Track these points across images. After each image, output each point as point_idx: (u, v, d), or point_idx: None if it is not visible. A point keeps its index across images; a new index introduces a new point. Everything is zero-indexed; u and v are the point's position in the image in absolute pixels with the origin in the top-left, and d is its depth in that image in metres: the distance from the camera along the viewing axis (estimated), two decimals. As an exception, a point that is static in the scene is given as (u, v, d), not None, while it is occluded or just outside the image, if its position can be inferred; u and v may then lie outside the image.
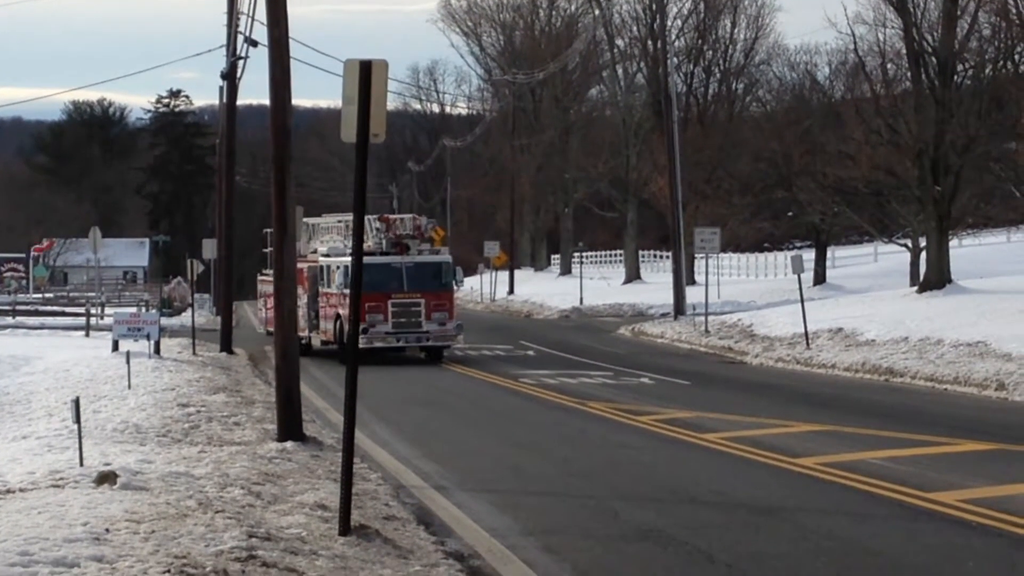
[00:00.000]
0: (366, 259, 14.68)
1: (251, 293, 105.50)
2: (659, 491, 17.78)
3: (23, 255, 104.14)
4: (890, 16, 49.16)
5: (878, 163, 49.71)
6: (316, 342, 42.72)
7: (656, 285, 76.01)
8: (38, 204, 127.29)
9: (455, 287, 42.09)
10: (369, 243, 39.13)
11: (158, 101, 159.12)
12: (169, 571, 11.24)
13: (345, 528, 13.74)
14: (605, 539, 14.76)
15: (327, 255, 42.40)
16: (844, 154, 53.25)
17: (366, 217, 14.41)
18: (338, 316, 40.36)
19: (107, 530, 12.62)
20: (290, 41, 22.23)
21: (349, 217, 34.64)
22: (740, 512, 16.18)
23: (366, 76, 13.79)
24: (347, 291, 39.27)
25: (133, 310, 51.34)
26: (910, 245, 57.26)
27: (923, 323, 38.36)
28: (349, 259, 39.00)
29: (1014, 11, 47.43)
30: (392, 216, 43.49)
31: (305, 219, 47.80)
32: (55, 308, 74.20)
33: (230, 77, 45.67)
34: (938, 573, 13.15)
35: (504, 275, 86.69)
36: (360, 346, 34.04)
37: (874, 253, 76.04)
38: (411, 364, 40.00)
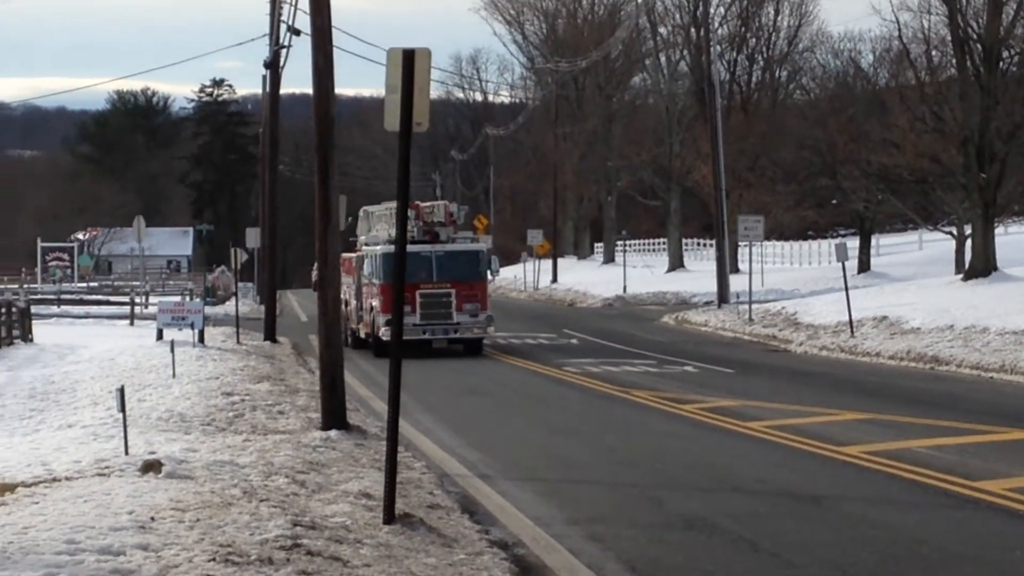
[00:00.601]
0: (394, 248, 14.54)
1: (295, 282, 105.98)
2: (703, 480, 17.75)
3: (68, 244, 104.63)
4: (935, 3, 48.87)
5: (923, 151, 49.44)
6: (362, 333, 41.81)
7: (699, 273, 75.81)
8: (82, 193, 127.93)
9: (490, 277, 40.18)
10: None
11: (201, 90, 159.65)
12: (214, 559, 11.27)
13: (389, 517, 13.74)
14: (650, 528, 14.74)
15: (367, 244, 41.85)
16: (888, 142, 52.97)
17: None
18: (371, 307, 39.59)
19: (152, 518, 12.66)
20: (333, 30, 22.25)
21: (395, 204, 34.10)
22: (784, 500, 16.13)
23: (409, 65, 13.77)
24: (376, 281, 39.01)
25: (177, 299, 51.62)
26: (955, 233, 56.92)
27: (968, 311, 38.10)
28: (379, 248, 39.04)
29: (1061, -3, 47.09)
30: (423, 204, 41.75)
31: (365, 207, 47.46)
32: (99, 297, 74.63)
33: (273, 66, 45.78)
34: (984, 562, 13.07)
35: (547, 263, 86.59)
36: (385, 339, 33.88)
37: (919, 241, 75.62)
38: (454, 354, 39.81)
